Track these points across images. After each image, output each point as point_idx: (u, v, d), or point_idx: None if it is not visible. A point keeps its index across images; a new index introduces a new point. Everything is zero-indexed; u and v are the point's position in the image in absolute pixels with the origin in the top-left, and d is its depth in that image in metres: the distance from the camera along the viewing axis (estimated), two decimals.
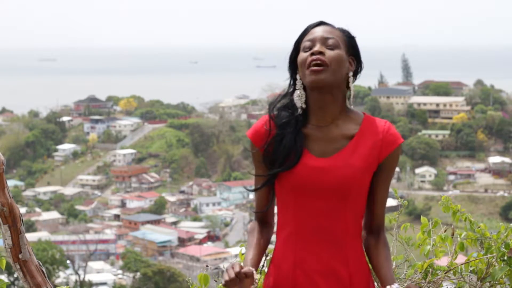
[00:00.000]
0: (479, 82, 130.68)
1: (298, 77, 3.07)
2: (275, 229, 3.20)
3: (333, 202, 2.99)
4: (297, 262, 3.02)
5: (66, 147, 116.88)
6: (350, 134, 3.04)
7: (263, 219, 3.20)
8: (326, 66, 2.98)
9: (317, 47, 2.99)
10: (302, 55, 3.03)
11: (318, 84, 2.99)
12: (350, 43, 3.06)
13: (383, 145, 3.02)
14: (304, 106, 3.06)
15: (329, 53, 2.99)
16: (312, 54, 2.99)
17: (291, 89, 3.11)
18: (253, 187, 3.21)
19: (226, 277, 2.90)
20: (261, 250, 3.15)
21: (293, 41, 3.13)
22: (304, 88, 3.07)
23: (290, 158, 3.02)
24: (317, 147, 3.04)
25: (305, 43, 3.03)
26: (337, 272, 2.99)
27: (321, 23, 3.08)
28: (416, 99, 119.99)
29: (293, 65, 3.10)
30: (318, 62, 2.98)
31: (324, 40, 3.01)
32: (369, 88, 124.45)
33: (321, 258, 3.00)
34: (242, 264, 2.99)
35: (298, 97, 3.07)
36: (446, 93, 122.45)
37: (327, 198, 2.99)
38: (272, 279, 3.09)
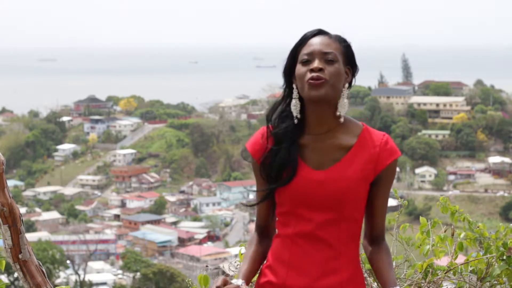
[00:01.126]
0: (479, 82, 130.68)
1: (294, 86, 3.08)
2: None
3: (329, 213, 3.02)
4: (291, 265, 3.05)
5: (66, 147, 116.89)
6: (347, 145, 3.05)
7: (263, 232, 3.22)
8: (325, 81, 2.98)
9: (316, 64, 2.98)
10: (301, 69, 3.02)
11: (318, 99, 3.00)
12: (347, 54, 3.05)
13: (380, 158, 3.03)
14: (299, 116, 3.07)
15: (329, 69, 2.98)
16: (312, 70, 2.98)
17: (288, 98, 3.11)
18: (250, 197, 3.23)
19: None
20: (257, 262, 3.18)
21: (293, 42, 3.11)
22: (300, 98, 3.07)
23: (286, 173, 3.03)
24: (314, 158, 3.05)
25: (303, 56, 3.02)
26: (329, 280, 3.02)
27: (319, 33, 3.06)
28: (416, 99, 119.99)
29: (289, 73, 3.10)
30: (318, 80, 2.98)
31: (322, 55, 3.00)
32: (369, 88, 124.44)
33: (314, 265, 3.02)
34: (231, 276, 3.02)
35: (294, 107, 3.07)
36: (446, 93, 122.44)
37: (323, 210, 3.02)
38: (264, 277, 3.12)
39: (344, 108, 3.04)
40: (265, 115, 3.16)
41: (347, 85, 3.05)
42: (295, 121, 3.07)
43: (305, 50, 3.03)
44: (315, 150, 3.05)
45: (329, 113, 3.04)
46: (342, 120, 3.06)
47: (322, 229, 3.01)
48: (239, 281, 3.06)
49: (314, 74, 2.98)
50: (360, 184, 3.01)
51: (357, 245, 3.10)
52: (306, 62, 3.01)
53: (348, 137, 3.05)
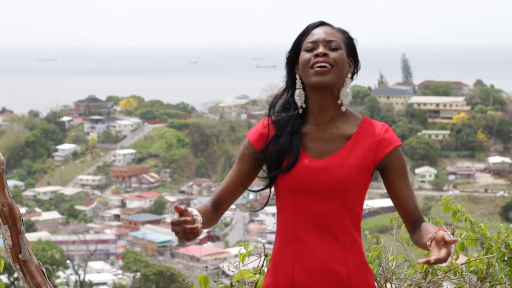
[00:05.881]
0: (479, 82, 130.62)
1: (297, 76, 3.10)
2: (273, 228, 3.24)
3: (331, 201, 3.03)
4: (296, 261, 3.05)
5: (66, 147, 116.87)
6: (347, 134, 3.07)
7: (217, 204, 3.18)
8: (330, 67, 3.02)
9: (320, 49, 3.03)
10: (305, 55, 3.06)
11: (322, 85, 3.03)
12: (349, 45, 3.11)
13: (379, 147, 3.05)
14: (304, 105, 3.09)
15: (332, 54, 3.03)
16: (316, 55, 3.02)
17: (290, 88, 3.15)
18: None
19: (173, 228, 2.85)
20: (207, 212, 3.10)
21: (293, 40, 3.14)
22: (303, 88, 3.10)
23: (287, 160, 3.05)
24: (315, 146, 3.07)
25: (307, 44, 3.06)
26: (335, 270, 3.02)
27: (321, 24, 3.11)
28: (416, 99, 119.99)
29: (291, 64, 3.13)
30: (323, 64, 3.01)
31: (326, 43, 3.05)
32: (369, 88, 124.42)
33: (320, 257, 3.02)
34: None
35: (298, 97, 3.10)
36: (446, 93, 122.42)
37: (325, 198, 3.03)
38: (271, 278, 3.12)
39: (347, 97, 3.08)
40: (268, 105, 3.18)
41: (349, 75, 3.09)
42: (300, 110, 3.10)
43: (309, 39, 3.08)
44: (316, 139, 3.08)
45: (331, 102, 3.08)
46: (343, 108, 3.09)
47: (326, 219, 3.02)
48: (194, 211, 2.95)
49: (319, 59, 3.02)
50: (361, 172, 3.03)
51: (360, 235, 3.10)
52: (310, 50, 3.06)
53: (348, 127, 3.09)
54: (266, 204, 3.24)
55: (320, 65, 3.01)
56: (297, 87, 3.10)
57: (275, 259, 3.12)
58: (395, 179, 3.07)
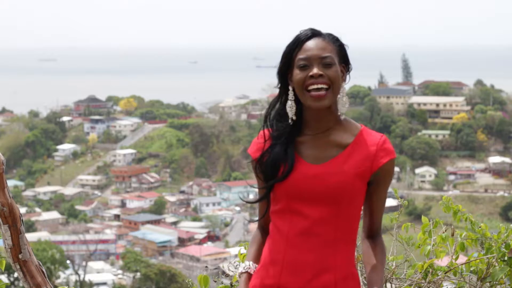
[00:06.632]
0: (479, 82, 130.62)
1: (290, 88, 3.08)
2: None
3: (326, 208, 3.02)
4: (285, 265, 3.05)
5: (66, 147, 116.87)
6: (344, 143, 3.07)
7: (265, 230, 3.24)
8: (327, 88, 3.00)
9: (315, 70, 2.99)
10: (298, 74, 3.02)
11: (321, 109, 3.03)
12: (341, 53, 3.07)
13: (376, 157, 3.04)
14: (294, 118, 3.09)
15: (328, 73, 3.00)
16: (311, 77, 2.99)
17: (283, 97, 3.13)
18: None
19: None
20: (260, 247, 3.24)
21: (283, 51, 3.09)
22: (296, 99, 3.08)
23: (284, 168, 3.05)
24: (311, 154, 3.07)
25: (300, 62, 3.02)
26: (323, 278, 3.02)
27: (312, 35, 3.06)
28: (416, 99, 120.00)
29: (284, 74, 3.10)
30: (320, 86, 2.99)
31: (320, 60, 3.00)
32: (369, 88, 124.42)
33: (309, 263, 3.02)
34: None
35: (290, 108, 3.08)
36: (446, 93, 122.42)
37: (320, 204, 3.02)
38: (259, 279, 3.12)
39: (344, 106, 3.07)
40: (264, 116, 3.17)
41: (344, 83, 3.08)
42: (290, 122, 3.09)
43: (302, 54, 3.03)
44: (312, 147, 3.08)
45: (327, 113, 3.07)
46: (342, 117, 3.08)
47: (319, 225, 3.02)
48: (246, 263, 3.14)
49: (315, 81, 2.99)
50: (356, 180, 3.03)
51: (354, 245, 3.11)
52: (303, 67, 3.02)
53: (345, 136, 3.08)
54: (267, 211, 3.21)
55: (316, 87, 2.99)
56: (289, 99, 3.08)
57: (265, 260, 3.12)
58: (378, 191, 3.10)
